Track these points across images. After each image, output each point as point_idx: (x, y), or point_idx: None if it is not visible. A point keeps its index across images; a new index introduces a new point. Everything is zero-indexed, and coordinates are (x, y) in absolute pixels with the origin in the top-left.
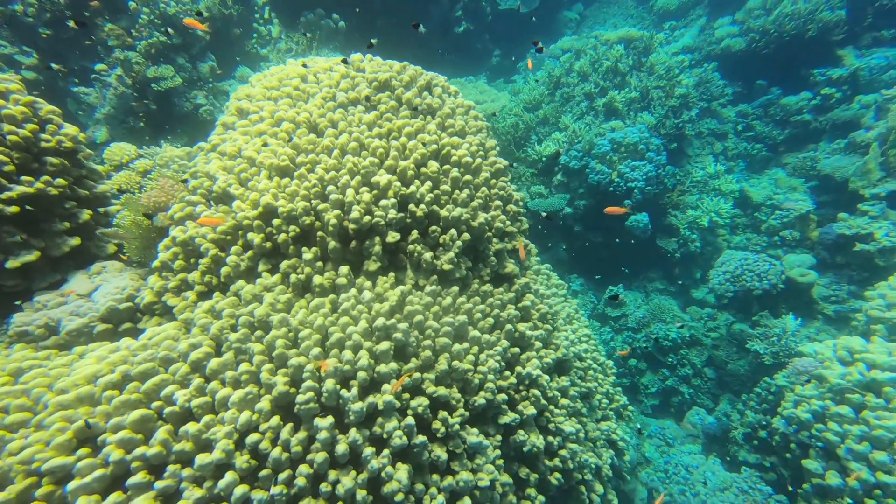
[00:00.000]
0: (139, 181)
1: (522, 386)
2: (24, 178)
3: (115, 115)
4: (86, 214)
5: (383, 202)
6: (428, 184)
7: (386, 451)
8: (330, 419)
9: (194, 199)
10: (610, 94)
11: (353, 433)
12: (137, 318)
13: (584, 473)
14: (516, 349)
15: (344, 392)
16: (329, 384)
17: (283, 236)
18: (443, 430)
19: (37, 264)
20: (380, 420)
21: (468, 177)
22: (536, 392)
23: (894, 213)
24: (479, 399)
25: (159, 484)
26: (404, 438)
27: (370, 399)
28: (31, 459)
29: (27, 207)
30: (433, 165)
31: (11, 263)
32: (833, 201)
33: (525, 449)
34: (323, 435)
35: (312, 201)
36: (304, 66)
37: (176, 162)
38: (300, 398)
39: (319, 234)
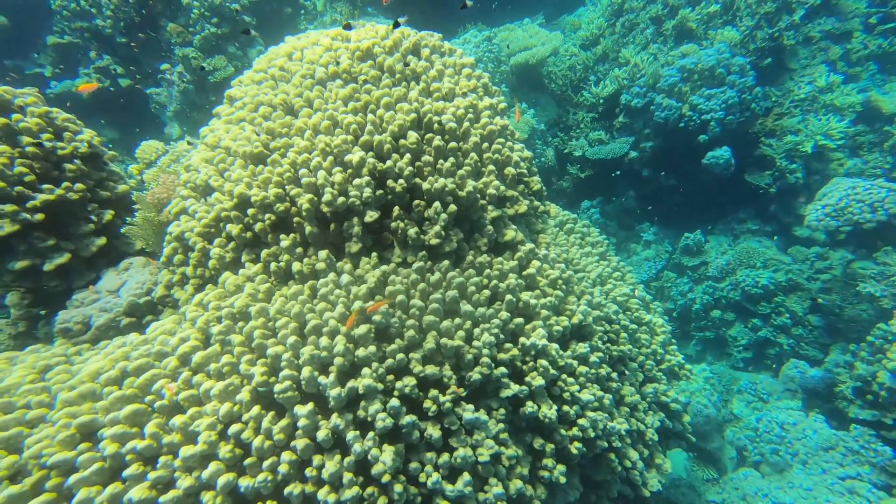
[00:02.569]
0: None
1: (528, 357)
2: (45, 185)
3: (182, 110)
4: (108, 215)
5: (357, 181)
6: (407, 156)
7: (371, 434)
8: (310, 406)
9: (185, 192)
10: (681, 14)
11: (335, 418)
12: (160, 310)
13: (613, 440)
14: (520, 319)
15: (322, 378)
16: (305, 372)
17: (259, 225)
18: (434, 408)
19: (71, 265)
20: (363, 403)
21: (453, 143)
22: (544, 362)
23: None
24: (475, 374)
25: (153, 474)
26: (388, 420)
27: (350, 384)
28: (40, 454)
29: (55, 212)
30: (412, 136)
31: (47, 266)
32: None
33: (537, 420)
34: (303, 422)
35: (286, 187)
36: (283, 41)
37: (185, 155)
38: (277, 387)
39: (296, 219)
